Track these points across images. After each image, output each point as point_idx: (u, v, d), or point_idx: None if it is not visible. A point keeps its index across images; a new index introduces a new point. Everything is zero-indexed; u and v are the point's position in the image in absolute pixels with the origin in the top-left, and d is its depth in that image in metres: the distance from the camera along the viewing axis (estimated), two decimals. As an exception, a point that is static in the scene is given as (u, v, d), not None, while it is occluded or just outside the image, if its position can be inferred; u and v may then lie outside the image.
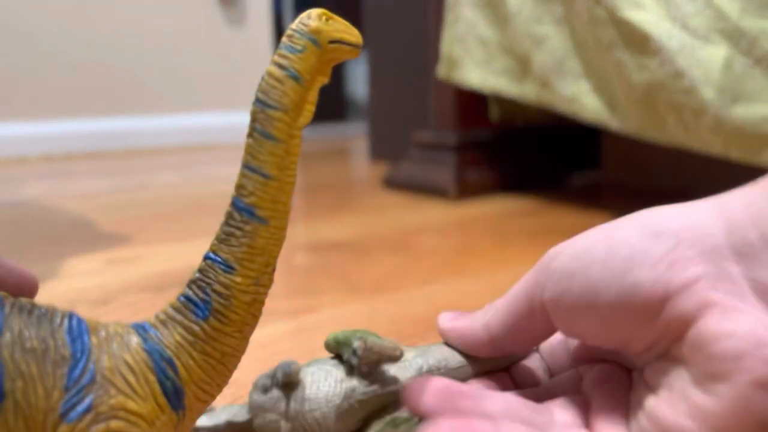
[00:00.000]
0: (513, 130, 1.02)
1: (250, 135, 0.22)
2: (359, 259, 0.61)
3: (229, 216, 0.22)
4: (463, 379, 0.30)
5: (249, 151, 0.22)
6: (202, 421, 0.27)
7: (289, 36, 0.22)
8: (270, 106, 0.22)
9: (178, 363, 0.22)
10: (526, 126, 1.04)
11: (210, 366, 0.22)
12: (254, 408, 0.27)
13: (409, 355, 0.29)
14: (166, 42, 1.90)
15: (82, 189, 1.13)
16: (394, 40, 1.31)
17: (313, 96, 0.23)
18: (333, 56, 0.23)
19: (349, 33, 0.23)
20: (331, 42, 0.22)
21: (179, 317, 0.22)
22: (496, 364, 0.30)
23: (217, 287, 0.22)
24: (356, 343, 0.27)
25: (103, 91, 1.80)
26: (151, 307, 0.48)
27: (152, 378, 0.21)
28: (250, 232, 0.22)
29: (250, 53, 2.07)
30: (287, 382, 0.26)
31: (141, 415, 0.21)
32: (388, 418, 0.27)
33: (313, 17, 0.22)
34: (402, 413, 0.28)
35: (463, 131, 0.96)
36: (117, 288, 0.54)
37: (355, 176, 1.25)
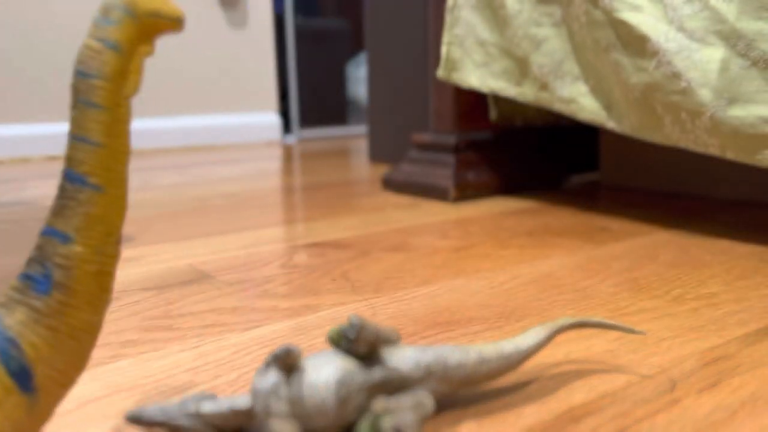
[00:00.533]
0: (512, 131, 1.03)
1: (73, 107, 0.23)
2: (359, 259, 0.62)
3: (61, 188, 0.22)
4: (461, 379, 0.30)
5: (74, 121, 0.23)
6: (206, 408, 0.28)
7: (104, 9, 0.23)
8: (91, 75, 0.22)
9: (22, 342, 0.21)
10: (525, 127, 1.05)
11: (59, 342, 0.22)
12: (255, 393, 0.27)
13: (408, 350, 0.30)
14: (168, 44, 1.90)
15: (83, 190, 1.13)
16: (394, 42, 1.32)
17: (137, 65, 0.23)
18: (152, 28, 0.23)
19: (165, 6, 0.24)
20: (148, 15, 0.23)
21: (19, 296, 0.22)
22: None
23: (57, 260, 0.22)
24: (353, 318, 0.28)
25: (104, 92, 1.80)
26: (152, 307, 0.49)
27: None
28: (85, 200, 0.22)
29: (252, 55, 2.07)
30: (285, 358, 0.27)
31: None
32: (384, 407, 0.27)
33: None
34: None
35: (462, 132, 0.97)
36: (118, 288, 0.54)
37: (355, 177, 1.25)
